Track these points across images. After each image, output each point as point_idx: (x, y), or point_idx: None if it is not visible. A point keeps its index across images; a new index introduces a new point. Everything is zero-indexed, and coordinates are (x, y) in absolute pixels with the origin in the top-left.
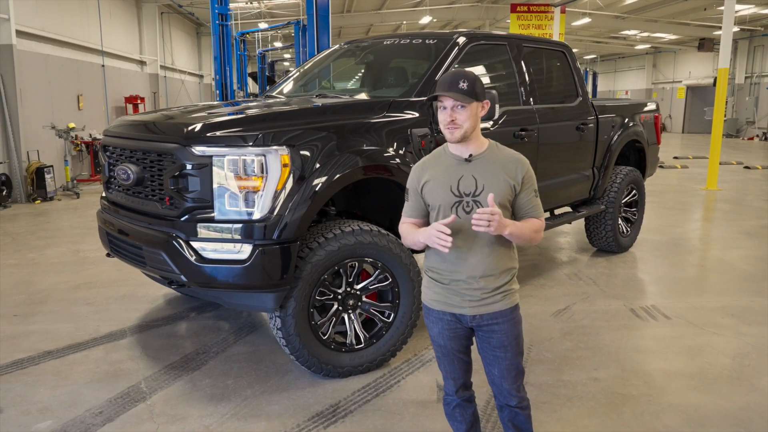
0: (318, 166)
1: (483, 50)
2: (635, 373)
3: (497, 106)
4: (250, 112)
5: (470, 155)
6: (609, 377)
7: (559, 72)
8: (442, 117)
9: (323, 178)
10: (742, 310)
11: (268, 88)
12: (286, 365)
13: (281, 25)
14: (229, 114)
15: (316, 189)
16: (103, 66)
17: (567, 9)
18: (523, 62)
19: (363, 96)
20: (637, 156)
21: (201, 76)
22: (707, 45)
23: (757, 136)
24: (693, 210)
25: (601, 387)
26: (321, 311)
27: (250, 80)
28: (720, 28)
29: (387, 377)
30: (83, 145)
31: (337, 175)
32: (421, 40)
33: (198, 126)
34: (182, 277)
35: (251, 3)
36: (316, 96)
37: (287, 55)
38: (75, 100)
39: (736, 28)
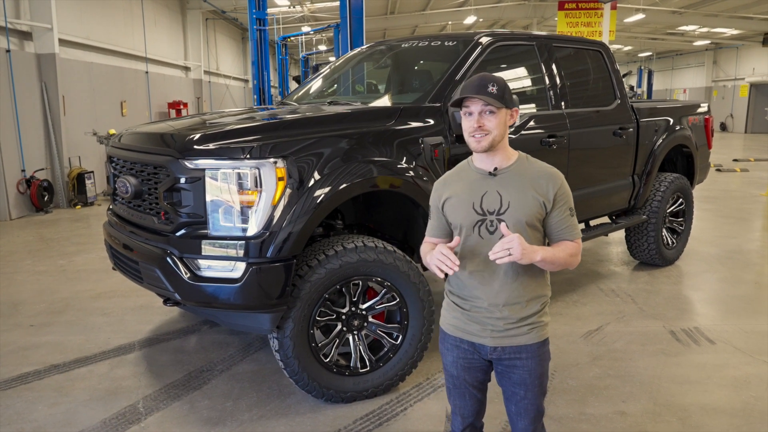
0: (316, 179)
1: (507, 52)
2: (669, 408)
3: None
4: (248, 122)
5: (495, 168)
6: (638, 411)
7: (594, 73)
8: (468, 124)
9: (321, 193)
10: None
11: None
12: (289, 387)
13: (322, 28)
14: (225, 125)
15: (314, 204)
16: (146, 72)
17: (619, 5)
18: (553, 64)
19: (377, 102)
20: (685, 162)
21: (246, 81)
22: None
23: None
24: (752, 218)
25: (629, 423)
26: (326, 332)
27: (294, 84)
28: None
29: (393, 404)
30: None
31: (340, 189)
32: (440, 42)
33: (191, 138)
34: (176, 295)
35: (294, 7)
36: (328, 103)
37: (332, 58)
38: (118, 107)
39: None
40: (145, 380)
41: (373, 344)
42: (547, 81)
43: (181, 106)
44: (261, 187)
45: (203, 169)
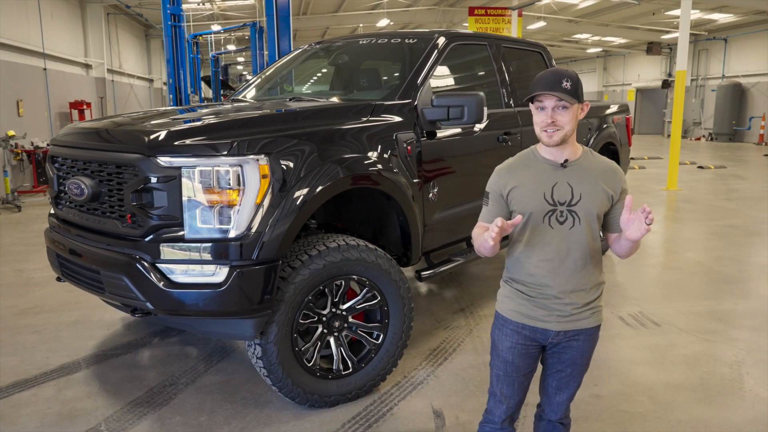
0: (302, 176)
1: (464, 50)
2: (637, 388)
3: (485, 108)
4: (223, 117)
5: (566, 160)
6: (611, 393)
7: (537, 73)
8: (540, 118)
9: (308, 190)
10: (728, 313)
11: (223, 92)
12: (265, 395)
13: (236, 26)
14: (198, 120)
15: (301, 202)
16: (45, 69)
17: (523, 12)
18: (503, 63)
19: (340, 99)
20: (610, 158)
21: (151, 81)
22: (655, 49)
23: (704, 136)
24: (658, 211)
25: (606, 405)
26: (304, 335)
27: (203, 84)
28: (667, 32)
29: (378, 404)
30: (24, 154)
31: (324, 186)
32: (400, 40)
33: (163, 133)
34: (148, 304)
35: (203, 4)
36: (290, 100)
37: (240, 59)
38: (14, 106)
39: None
40: (102, 400)
41: (353, 344)
42: (499, 80)
43: (84, 106)
44: (243, 185)
45: (179, 168)
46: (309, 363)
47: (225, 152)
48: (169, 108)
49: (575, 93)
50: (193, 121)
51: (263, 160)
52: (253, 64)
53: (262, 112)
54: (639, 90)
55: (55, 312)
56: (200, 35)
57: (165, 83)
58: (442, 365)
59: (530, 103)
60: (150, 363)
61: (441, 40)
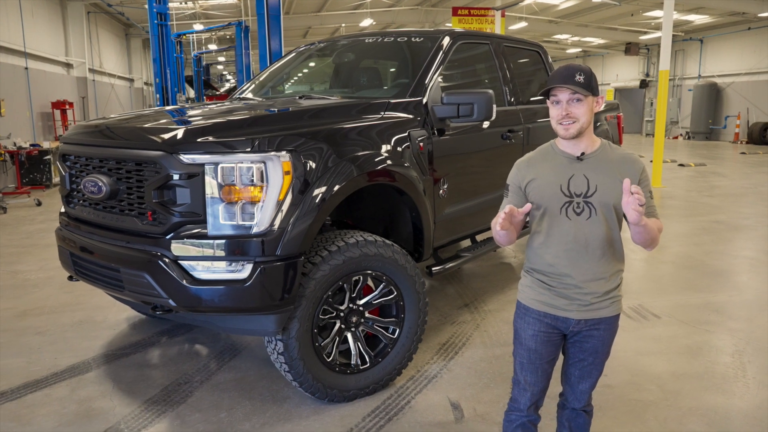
0: (323, 172)
1: (469, 49)
2: (646, 377)
3: (494, 105)
4: (241, 115)
5: (582, 153)
6: (621, 383)
7: (535, 71)
8: (555, 112)
9: (329, 186)
10: (724, 305)
11: (205, 92)
12: (282, 391)
13: (222, 26)
14: (217, 117)
15: (322, 198)
16: (26, 68)
17: (506, 13)
18: (504, 62)
19: (350, 97)
20: None
21: (131, 80)
22: (633, 49)
23: (681, 135)
24: None
25: (617, 394)
26: (321, 331)
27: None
28: (645, 33)
29: (395, 398)
30: (7, 154)
31: (345, 182)
32: (406, 39)
33: (186, 130)
34: (170, 301)
35: (186, 3)
36: (300, 97)
37: (221, 58)
38: None
39: (657, 33)
40: (117, 399)
41: (369, 339)
42: (501, 78)
43: (67, 106)
44: (266, 182)
45: (202, 164)
46: (328, 358)
47: (248, 149)
48: (179, 106)
49: (588, 86)
50: (213, 118)
51: (285, 156)
52: (238, 63)
53: (280, 110)
54: (618, 90)
55: (56, 313)
56: (183, 34)
57: (146, 83)
58: (453, 359)
59: (546, 99)
60: (161, 362)
61: (446, 39)
